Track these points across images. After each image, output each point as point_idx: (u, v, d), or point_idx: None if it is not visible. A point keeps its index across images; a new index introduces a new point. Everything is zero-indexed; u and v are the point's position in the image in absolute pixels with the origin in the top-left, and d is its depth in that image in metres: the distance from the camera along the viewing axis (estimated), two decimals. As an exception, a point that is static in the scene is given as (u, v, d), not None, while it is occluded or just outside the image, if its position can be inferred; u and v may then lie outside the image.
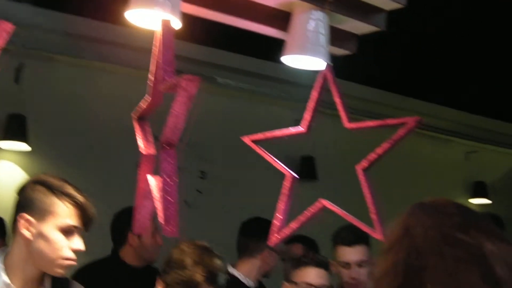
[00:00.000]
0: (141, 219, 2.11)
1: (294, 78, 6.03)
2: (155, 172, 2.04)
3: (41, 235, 2.32)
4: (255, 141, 2.37)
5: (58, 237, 2.31)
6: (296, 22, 2.62)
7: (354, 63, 3.83)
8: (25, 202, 2.35)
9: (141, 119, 2.18)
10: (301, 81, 5.84)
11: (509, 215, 4.46)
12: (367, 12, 2.76)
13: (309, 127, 2.36)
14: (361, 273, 3.40)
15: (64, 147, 5.42)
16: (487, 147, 8.51)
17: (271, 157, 2.33)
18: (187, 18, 2.44)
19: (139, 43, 5.16)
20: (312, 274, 3.17)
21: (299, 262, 3.23)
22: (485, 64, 6.28)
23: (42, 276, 2.42)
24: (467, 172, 8.43)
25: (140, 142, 2.12)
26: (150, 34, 2.22)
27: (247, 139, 2.38)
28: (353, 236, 3.43)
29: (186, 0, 2.43)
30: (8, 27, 1.82)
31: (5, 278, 2.34)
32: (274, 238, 2.31)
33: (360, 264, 3.42)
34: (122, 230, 3.76)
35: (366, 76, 6.12)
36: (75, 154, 5.47)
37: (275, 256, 3.80)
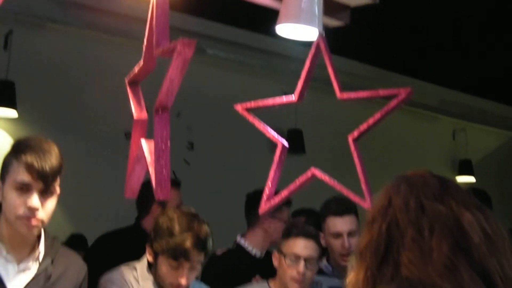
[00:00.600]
0: (132, 184, 2.11)
1: (283, 51, 6.04)
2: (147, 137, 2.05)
3: (3, 196, 2.33)
4: (247, 110, 2.37)
5: (12, 196, 2.30)
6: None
7: (344, 38, 3.82)
8: (1, 167, 2.38)
9: (133, 83, 2.18)
10: (291, 54, 5.87)
11: (494, 194, 4.49)
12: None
13: (301, 97, 2.36)
14: (352, 243, 3.41)
15: (51, 114, 5.41)
16: (475, 125, 8.57)
17: (263, 126, 2.33)
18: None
19: (129, 12, 5.17)
20: (299, 245, 3.16)
21: (288, 233, 3.23)
22: (475, 43, 6.29)
23: (34, 237, 2.42)
24: (454, 150, 8.50)
25: (132, 106, 2.12)
26: (141, 3, 2.20)
27: (239, 107, 2.38)
28: (343, 206, 3.45)
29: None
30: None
31: None
32: (264, 206, 2.32)
33: (350, 234, 3.44)
34: (146, 200, 3.74)
35: (355, 51, 6.11)
36: (63, 121, 5.46)
37: (279, 226, 3.79)
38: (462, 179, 8.32)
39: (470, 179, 8.36)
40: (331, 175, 2.22)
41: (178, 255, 2.72)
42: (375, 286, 1.39)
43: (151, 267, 2.86)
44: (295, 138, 6.54)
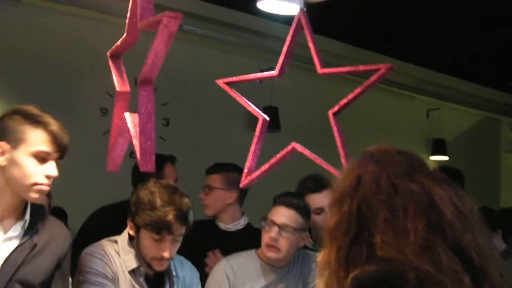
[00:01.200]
0: (115, 157, 2.12)
1: (261, 28, 6.04)
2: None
3: (14, 162, 2.34)
4: (228, 84, 2.38)
5: (29, 163, 2.33)
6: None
7: (321, 17, 3.83)
8: (1, 131, 2.37)
9: (115, 56, 2.17)
10: (269, 31, 5.86)
11: (466, 172, 4.55)
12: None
13: (282, 72, 2.37)
14: None
15: (26, 91, 5.35)
16: (449, 105, 8.63)
17: (244, 100, 2.34)
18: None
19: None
20: (278, 213, 3.19)
21: (274, 201, 3.27)
22: (451, 23, 6.32)
23: (22, 205, 2.43)
24: (428, 129, 8.57)
25: (115, 79, 2.12)
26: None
27: (220, 82, 2.38)
28: (320, 183, 3.53)
29: None
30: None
31: None
32: (245, 179, 2.33)
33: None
34: (142, 175, 3.75)
35: (330, 29, 6.10)
36: (38, 99, 5.41)
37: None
38: (435, 158, 8.41)
39: (444, 158, 8.45)
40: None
41: (160, 228, 2.72)
42: (348, 267, 1.39)
43: (132, 240, 2.86)
44: (271, 115, 6.52)
